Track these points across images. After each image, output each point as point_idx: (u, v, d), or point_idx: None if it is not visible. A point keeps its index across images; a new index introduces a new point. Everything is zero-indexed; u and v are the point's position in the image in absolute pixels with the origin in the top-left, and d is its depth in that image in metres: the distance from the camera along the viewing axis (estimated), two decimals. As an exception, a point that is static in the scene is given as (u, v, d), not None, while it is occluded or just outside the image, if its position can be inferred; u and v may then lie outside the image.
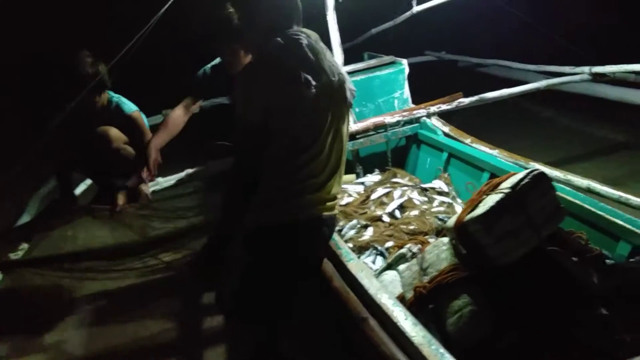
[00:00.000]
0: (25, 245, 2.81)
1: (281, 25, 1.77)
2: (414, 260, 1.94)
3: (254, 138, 1.72)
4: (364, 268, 2.09)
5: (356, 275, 2.01)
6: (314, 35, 1.82)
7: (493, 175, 2.80)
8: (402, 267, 2.03)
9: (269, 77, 1.69)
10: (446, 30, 6.78)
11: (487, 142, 3.11)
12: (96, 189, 3.49)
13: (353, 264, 2.11)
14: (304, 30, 1.81)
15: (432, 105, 3.59)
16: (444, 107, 3.59)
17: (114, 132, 2.90)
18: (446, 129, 3.43)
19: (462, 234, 1.70)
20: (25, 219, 3.56)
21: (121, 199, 3.00)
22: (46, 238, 3.00)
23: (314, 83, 1.68)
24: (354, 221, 2.92)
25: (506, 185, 1.72)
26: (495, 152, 2.94)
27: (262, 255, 1.84)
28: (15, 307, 2.78)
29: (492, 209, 1.65)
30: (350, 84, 1.88)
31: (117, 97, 2.95)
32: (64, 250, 3.12)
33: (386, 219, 2.91)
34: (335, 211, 1.97)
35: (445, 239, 1.88)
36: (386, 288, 1.92)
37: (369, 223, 2.91)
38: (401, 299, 1.87)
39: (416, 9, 3.93)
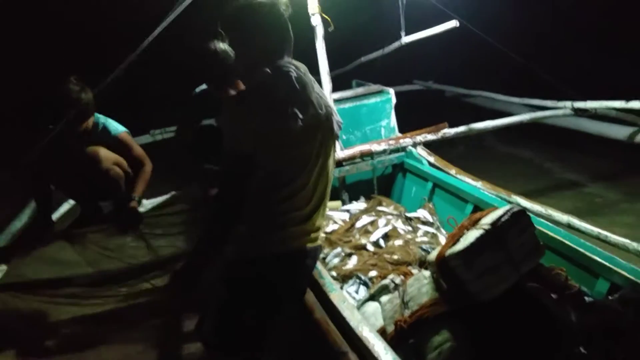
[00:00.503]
0: (3, 268, 2.76)
1: (272, 56, 1.76)
2: (396, 293, 1.95)
3: (241, 167, 1.69)
4: (346, 300, 2.08)
5: (338, 306, 2.00)
6: (302, 68, 1.83)
7: (476, 207, 2.84)
8: (384, 299, 2.03)
9: (257, 109, 1.66)
10: (433, 60, 6.92)
11: (471, 173, 3.16)
12: (77, 211, 3.45)
13: (335, 294, 2.11)
14: (294, 62, 1.81)
15: (418, 134, 3.64)
16: (430, 136, 3.64)
17: (104, 153, 2.90)
18: (431, 159, 3.48)
19: (443, 269, 1.72)
20: (2, 242, 3.52)
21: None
22: (25, 261, 2.94)
23: (300, 116, 1.67)
24: (338, 249, 2.92)
25: (486, 221, 1.75)
26: (478, 184, 2.98)
27: (241, 288, 1.81)
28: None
29: (473, 245, 1.67)
30: (337, 115, 1.89)
31: (103, 119, 2.96)
32: (43, 274, 3.07)
33: (370, 247, 2.91)
34: (319, 242, 1.98)
35: (427, 273, 1.89)
36: (367, 320, 1.92)
37: (353, 252, 2.92)
38: (382, 332, 1.87)
39: (405, 39, 4.01)
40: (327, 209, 3.37)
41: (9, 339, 2.71)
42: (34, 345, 2.73)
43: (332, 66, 3.58)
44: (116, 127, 2.94)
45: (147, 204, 3.37)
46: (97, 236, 3.28)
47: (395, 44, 4.23)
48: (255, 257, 1.79)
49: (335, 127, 1.87)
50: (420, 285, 1.82)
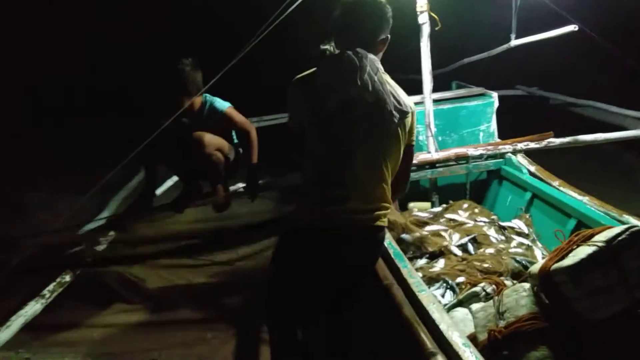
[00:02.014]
0: (112, 234, 2.99)
1: (345, 44, 1.85)
2: (490, 302, 1.89)
3: (295, 141, 1.92)
4: (435, 301, 2.05)
5: (427, 307, 1.98)
6: (365, 58, 1.83)
7: (580, 223, 2.67)
8: (475, 306, 1.98)
9: (298, 90, 1.88)
10: (539, 65, 6.56)
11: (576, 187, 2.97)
12: (180, 188, 3.67)
13: (424, 295, 2.08)
14: (360, 51, 1.83)
15: (520, 142, 3.48)
16: (532, 145, 3.47)
17: (208, 138, 3.05)
18: (532, 168, 3.31)
19: (547, 283, 1.64)
20: (107, 214, 3.83)
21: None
22: (130, 230, 3.17)
23: (334, 100, 1.79)
24: (425, 250, 2.89)
25: (600, 238, 1.64)
26: (585, 198, 2.80)
27: (287, 259, 1.91)
28: (93, 296, 2.96)
29: (583, 262, 1.57)
30: (394, 101, 1.85)
31: (209, 98, 3.11)
32: (145, 243, 3.29)
33: (458, 252, 2.85)
34: (378, 223, 1.89)
35: (526, 285, 1.81)
36: (457, 326, 1.88)
37: (440, 254, 2.87)
38: (472, 338, 1.82)
39: (514, 42, 3.84)
40: (416, 210, 3.40)
41: (111, 300, 2.95)
42: (131, 306, 2.96)
43: (432, 66, 3.52)
44: (222, 104, 3.09)
45: (239, 187, 3.51)
46: (194, 211, 3.49)
47: (503, 47, 4.05)
48: (294, 228, 1.90)
49: (389, 115, 1.83)
50: (519, 297, 1.75)
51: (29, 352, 2.39)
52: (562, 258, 1.66)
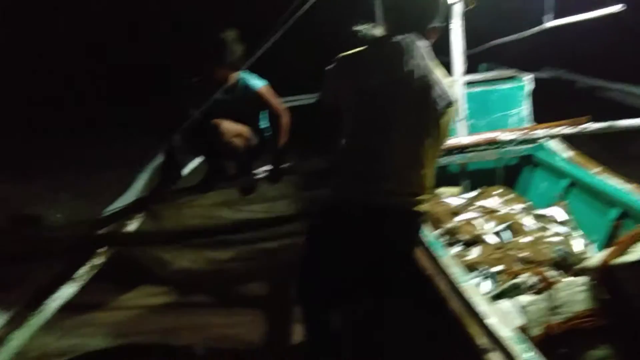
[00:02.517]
0: (141, 216, 2.95)
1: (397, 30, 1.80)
2: (542, 296, 1.83)
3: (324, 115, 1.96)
4: (479, 293, 2.00)
5: (471, 299, 1.92)
6: (413, 45, 1.78)
7: (624, 214, 2.58)
8: (524, 299, 1.92)
9: (341, 66, 1.84)
10: (566, 47, 6.37)
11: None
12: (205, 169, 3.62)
13: (467, 286, 2.03)
14: (410, 36, 1.79)
15: (554, 126, 3.37)
16: (567, 130, 3.35)
17: (226, 125, 2.97)
18: (569, 154, 3.21)
19: (608, 279, 1.57)
20: (132, 194, 3.79)
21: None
22: (157, 213, 3.14)
23: (379, 81, 1.76)
24: (458, 238, 2.83)
25: (665, 232, 1.57)
26: (630, 187, 2.69)
27: (321, 238, 1.89)
28: (124, 278, 2.95)
29: (648, 257, 1.51)
30: (438, 90, 1.79)
31: (244, 75, 3.03)
32: (171, 227, 3.27)
33: (492, 240, 2.78)
34: (415, 208, 1.85)
35: (581, 279, 1.74)
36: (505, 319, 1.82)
37: (473, 242, 2.81)
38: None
39: (549, 24, 3.69)
40: (446, 196, 3.33)
41: (141, 281, 2.94)
42: (160, 287, 2.94)
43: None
44: (256, 83, 3.01)
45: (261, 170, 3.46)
46: (220, 194, 3.46)
47: (537, 29, 3.90)
48: (328, 206, 1.88)
49: (434, 99, 1.78)
50: (574, 291, 1.69)
51: (61, 332, 2.39)
52: (624, 253, 1.59)
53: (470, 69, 4.16)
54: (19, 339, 1.85)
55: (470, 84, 3.66)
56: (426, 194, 1.86)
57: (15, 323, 2.06)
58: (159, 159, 4.28)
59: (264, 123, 3.19)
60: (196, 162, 3.90)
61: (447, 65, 3.40)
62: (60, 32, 7.05)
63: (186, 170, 3.68)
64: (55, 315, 2.26)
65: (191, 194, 3.21)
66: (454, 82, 3.36)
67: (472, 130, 3.45)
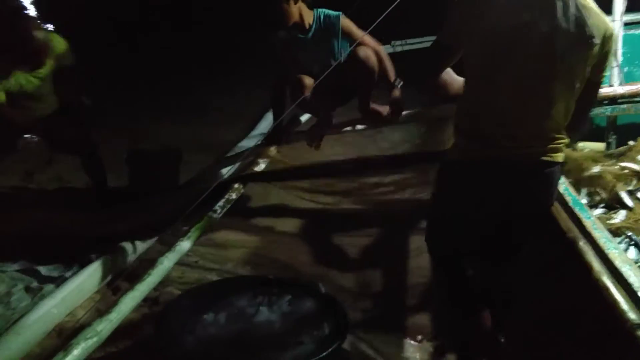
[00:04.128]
0: (263, 158, 3.06)
1: None
2: None
3: (437, 57, 1.78)
4: (631, 262, 1.82)
5: (621, 268, 1.76)
6: None
7: None
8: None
9: (465, 6, 1.65)
10: None
11: None
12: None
13: (616, 254, 1.86)
14: None
15: None
16: None
17: (308, 81, 2.91)
18: None
19: None
20: (258, 134, 3.92)
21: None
22: (279, 153, 3.23)
23: (510, 23, 1.57)
24: (600, 199, 2.59)
25: None
26: None
27: (449, 194, 1.81)
28: (254, 212, 3.12)
29: None
30: (594, 23, 1.56)
31: (320, 10, 2.93)
32: (293, 166, 3.34)
33: (632, 204, 2.51)
34: (549, 158, 1.68)
35: None
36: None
37: (618, 205, 2.55)
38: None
39: None
40: (589, 151, 3.03)
41: (269, 216, 3.09)
42: (285, 223, 3.06)
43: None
44: (335, 13, 2.89)
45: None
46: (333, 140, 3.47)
47: None
48: (455, 160, 1.78)
49: (588, 39, 1.56)
50: None
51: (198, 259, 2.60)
52: None
53: (633, 5, 3.63)
54: (169, 260, 2.05)
55: (629, 25, 3.21)
56: (561, 140, 1.68)
57: (165, 246, 2.30)
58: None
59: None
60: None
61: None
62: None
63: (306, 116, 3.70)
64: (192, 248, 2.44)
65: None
66: (613, 21, 2.97)
67: (627, 79, 3.07)
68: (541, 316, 1.96)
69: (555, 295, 2.02)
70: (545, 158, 1.67)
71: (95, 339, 1.57)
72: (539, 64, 1.59)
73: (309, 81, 2.86)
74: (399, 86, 2.91)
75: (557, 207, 2.19)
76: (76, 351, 1.51)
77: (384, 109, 3.03)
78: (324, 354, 1.64)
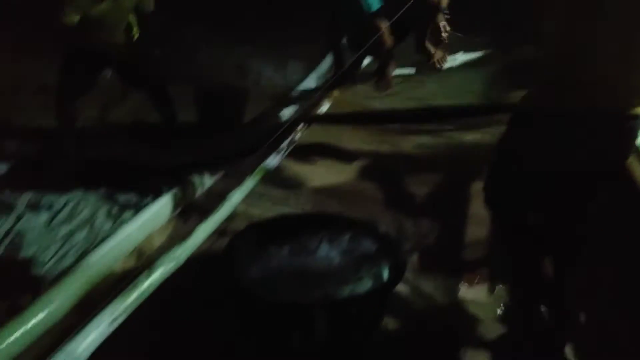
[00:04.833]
0: (324, 100, 3.06)
1: None
2: None
3: None
4: None
5: None
6: None
7: None
8: None
9: None
10: None
11: None
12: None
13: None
14: None
15: None
16: None
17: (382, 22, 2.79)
18: None
19: None
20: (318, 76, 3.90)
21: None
22: (339, 96, 3.22)
23: None
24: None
25: None
26: None
27: (513, 146, 1.73)
28: (314, 152, 3.14)
29: None
30: None
31: None
32: (351, 110, 3.33)
33: None
34: (630, 111, 1.57)
35: None
36: None
37: None
38: None
39: None
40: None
41: (328, 157, 3.14)
42: (346, 165, 3.09)
43: None
44: None
45: (459, 58, 3.26)
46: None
47: None
48: (524, 112, 1.69)
49: None
50: None
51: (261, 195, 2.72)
52: None
53: None
54: (238, 195, 2.17)
55: None
56: None
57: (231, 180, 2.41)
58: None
59: None
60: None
61: None
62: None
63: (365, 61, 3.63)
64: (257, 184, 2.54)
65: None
66: None
67: None
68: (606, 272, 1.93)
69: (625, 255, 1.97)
70: (625, 111, 1.57)
71: (174, 263, 1.73)
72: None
73: (383, 22, 2.81)
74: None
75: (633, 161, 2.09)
76: (158, 272, 1.68)
77: (439, 52, 2.98)
78: (380, 290, 1.71)
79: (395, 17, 2.46)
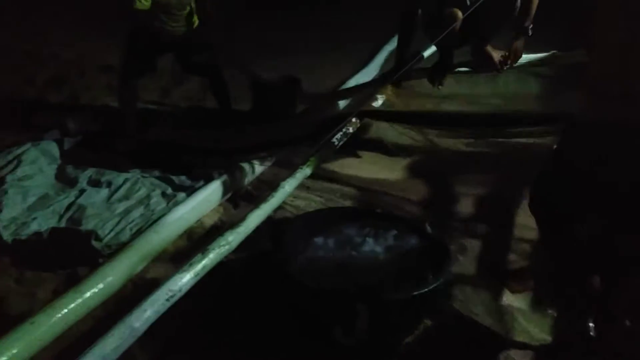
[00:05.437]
0: (381, 96, 3.06)
1: None
2: None
3: None
4: None
5: None
6: None
7: None
8: None
9: None
10: None
11: None
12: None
13: None
14: None
15: None
16: None
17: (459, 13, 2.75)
18: None
19: None
20: (373, 70, 3.88)
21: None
22: (393, 93, 3.21)
23: None
24: None
25: None
26: None
27: (567, 155, 1.73)
28: (366, 147, 3.18)
29: None
30: None
31: None
32: (404, 108, 3.31)
33: None
34: None
35: None
36: None
37: None
38: None
39: None
40: None
41: (380, 152, 3.15)
42: (399, 161, 3.09)
43: None
44: None
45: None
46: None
47: None
48: (579, 122, 1.68)
49: None
50: None
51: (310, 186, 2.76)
52: None
53: None
54: (290, 185, 2.22)
55: None
56: None
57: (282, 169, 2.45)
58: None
59: None
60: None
61: None
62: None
63: (429, 51, 3.58)
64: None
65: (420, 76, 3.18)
66: None
67: None
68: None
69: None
70: None
71: (227, 247, 1.81)
72: None
73: (460, 13, 2.80)
74: (528, 33, 2.76)
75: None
76: (212, 255, 1.76)
77: (497, 54, 2.94)
78: (423, 290, 1.72)
79: (468, 12, 2.43)
